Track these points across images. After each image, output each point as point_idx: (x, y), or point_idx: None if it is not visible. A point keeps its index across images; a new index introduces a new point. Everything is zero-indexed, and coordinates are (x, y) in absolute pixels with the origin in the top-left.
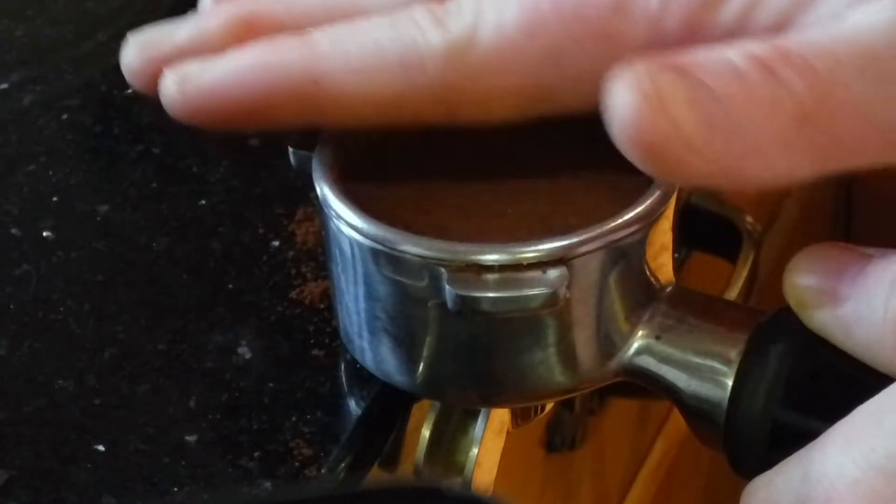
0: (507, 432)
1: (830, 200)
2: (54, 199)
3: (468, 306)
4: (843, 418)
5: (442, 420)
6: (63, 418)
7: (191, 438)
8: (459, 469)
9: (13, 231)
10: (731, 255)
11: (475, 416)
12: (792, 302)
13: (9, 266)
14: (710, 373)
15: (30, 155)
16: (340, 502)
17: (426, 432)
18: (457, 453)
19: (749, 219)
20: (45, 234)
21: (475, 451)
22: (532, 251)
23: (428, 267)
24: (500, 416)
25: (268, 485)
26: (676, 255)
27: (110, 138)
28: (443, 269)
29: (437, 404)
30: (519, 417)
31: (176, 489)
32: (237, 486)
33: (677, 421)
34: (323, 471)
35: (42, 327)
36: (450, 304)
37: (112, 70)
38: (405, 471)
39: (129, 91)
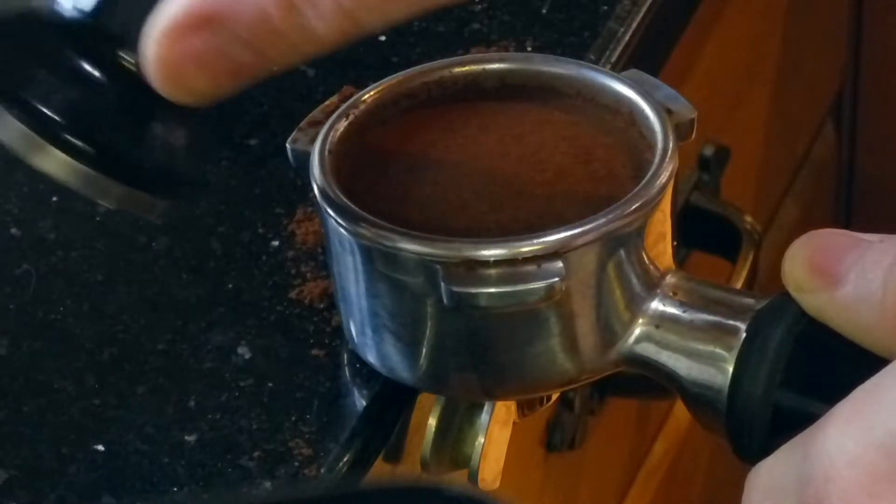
0: (514, 423)
1: (830, 200)
2: (54, 199)
3: (464, 302)
4: (844, 399)
5: (448, 412)
6: (63, 418)
7: (190, 438)
8: (466, 461)
9: (13, 231)
10: (731, 255)
11: (481, 407)
12: (790, 286)
13: (9, 266)
14: (711, 359)
15: None
16: (340, 502)
17: (432, 425)
18: (463, 445)
19: (749, 219)
20: (45, 234)
21: (481, 441)
22: (527, 245)
23: (424, 264)
24: (507, 407)
25: (267, 485)
26: (675, 243)
27: None
28: (438, 266)
29: (443, 397)
30: (525, 407)
31: (176, 489)
32: (237, 486)
33: (677, 421)
34: (322, 470)
35: (42, 327)
36: (446, 300)
37: None
38: (411, 464)
39: None
